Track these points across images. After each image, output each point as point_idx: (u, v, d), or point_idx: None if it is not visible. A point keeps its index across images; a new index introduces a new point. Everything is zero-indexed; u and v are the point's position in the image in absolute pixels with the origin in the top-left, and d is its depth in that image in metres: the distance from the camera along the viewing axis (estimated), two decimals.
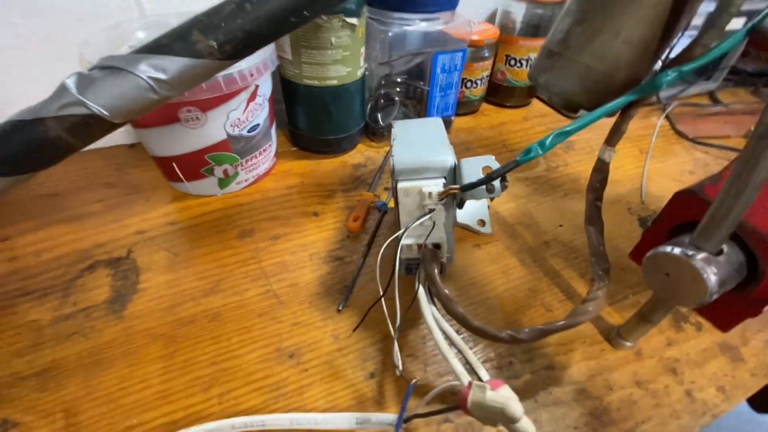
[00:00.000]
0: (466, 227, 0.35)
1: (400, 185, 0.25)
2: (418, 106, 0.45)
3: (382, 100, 0.44)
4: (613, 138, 0.26)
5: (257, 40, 0.23)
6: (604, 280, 0.25)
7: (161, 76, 0.22)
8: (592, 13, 0.22)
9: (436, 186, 0.24)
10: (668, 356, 0.27)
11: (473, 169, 0.23)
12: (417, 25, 0.38)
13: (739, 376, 0.26)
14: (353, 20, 0.34)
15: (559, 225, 0.36)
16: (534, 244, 0.34)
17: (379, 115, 0.44)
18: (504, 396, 0.16)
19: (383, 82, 0.43)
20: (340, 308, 0.28)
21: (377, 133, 0.44)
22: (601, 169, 0.27)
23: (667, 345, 0.27)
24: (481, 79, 0.49)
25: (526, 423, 0.16)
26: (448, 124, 0.47)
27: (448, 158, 0.25)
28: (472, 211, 0.35)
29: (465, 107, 0.50)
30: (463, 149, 0.45)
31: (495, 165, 0.24)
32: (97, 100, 0.21)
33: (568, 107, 0.25)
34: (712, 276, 0.18)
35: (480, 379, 0.21)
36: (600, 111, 0.21)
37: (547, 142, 0.20)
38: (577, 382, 0.25)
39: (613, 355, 0.27)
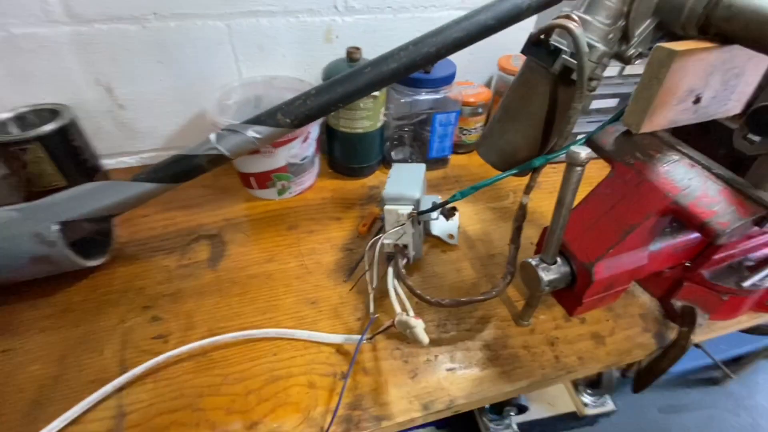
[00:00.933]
0: (438, 238, 0.50)
1: (386, 207, 0.41)
2: (422, 147, 0.61)
3: (395, 142, 0.61)
4: (528, 189, 0.41)
5: (314, 118, 0.40)
6: (507, 278, 0.39)
7: (259, 136, 0.39)
8: (504, 119, 0.37)
9: (406, 210, 0.40)
10: (552, 335, 0.41)
11: (427, 202, 0.39)
12: (422, 95, 0.54)
13: (597, 353, 0.40)
14: (375, 92, 0.51)
15: (507, 243, 0.50)
16: (484, 255, 0.49)
17: (392, 153, 0.61)
18: (414, 320, 0.32)
19: (397, 129, 0.60)
20: (345, 279, 0.45)
21: (390, 165, 0.61)
22: (522, 208, 0.42)
23: (554, 328, 0.41)
24: (475, 128, 0.64)
25: (420, 332, 0.32)
26: (445, 162, 0.63)
27: (416, 193, 0.40)
28: (445, 227, 0.51)
29: (461, 148, 0.66)
30: (453, 182, 0.61)
31: (438, 200, 0.39)
32: (225, 147, 0.39)
33: (495, 168, 0.41)
34: (543, 276, 0.33)
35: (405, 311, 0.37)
36: (506, 174, 0.36)
37: (465, 192, 0.36)
38: (484, 341, 0.40)
39: (515, 330, 0.41)
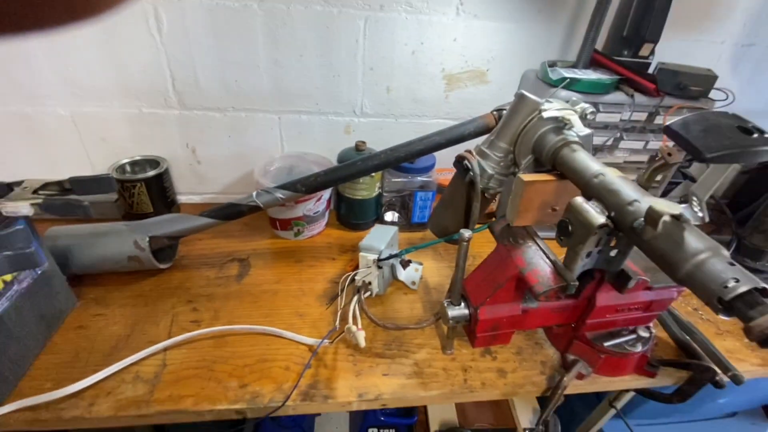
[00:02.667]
0: (403, 283, 0.66)
1: (361, 253, 0.59)
2: (408, 213, 0.79)
3: (388, 207, 0.80)
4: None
5: (321, 189, 0.60)
6: (433, 318, 0.55)
7: (283, 197, 0.60)
8: (441, 206, 0.55)
9: (373, 257, 0.58)
10: (467, 364, 0.55)
11: (385, 253, 0.57)
12: (408, 178, 0.74)
13: (498, 383, 0.53)
14: (373, 174, 0.71)
15: None
16: (435, 300, 0.65)
17: (385, 215, 0.80)
18: (357, 330, 0.48)
19: (390, 198, 0.79)
20: (327, 303, 0.62)
21: (383, 222, 0.80)
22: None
23: (470, 360, 0.55)
24: None
25: (360, 337, 0.48)
26: (423, 227, 0.80)
27: (381, 246, 0.58)
28: (410, 276, 0.67)
29: None
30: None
31: (403, 254, 0.57)
32: (261, 201, 0.60)
33: (437, 236, 0.58)
34: (449, 312, 0.49)
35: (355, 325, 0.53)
36: (438, 241, 0.54)
37: (409, 249, 0.53)
38: (415, 360, 0.55)
39: (440, 356, 0.56)
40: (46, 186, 0.47)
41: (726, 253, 0.28)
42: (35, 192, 0.47)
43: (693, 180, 0.82)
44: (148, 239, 0.59)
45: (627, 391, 0.73)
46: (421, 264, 0.68)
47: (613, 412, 0.82)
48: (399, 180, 0.75)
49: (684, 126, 0.32)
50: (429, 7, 0.67)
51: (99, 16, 0.13)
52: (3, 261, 0.43)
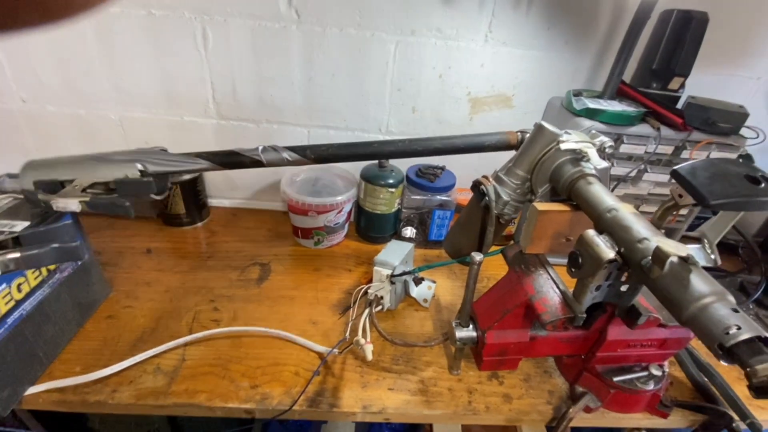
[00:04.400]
0: (415, 300, 0.68)
1: (375, 267, 0.60)
2: (425, 230, 0.81)
3: (407, 222, 0.82)
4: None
5: (329, 160, 0.63)
6: (442, 337, 0.56)
7: (290, 158, 0.60)
8: (457, 227, 0.57)
9: (387, 272, 0.59)
10: (473, 387, 0.55)
11: (399, 269, 0.58)
12: (428, 196, 0.76)
13: (502, 408, 0.53)
14: (392, 189, 0.73)
15: None
16: (446, 320, 0.65)
17: (403, 230, 0.82)
18: (366, 344, 0.50)
19: (409, 214, 0.81)
20: (340, 313, 0.64)
21: (401, 238, 0.81)
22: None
23: (477, 383, 0.56)
24: None
25: (367, 351, 0.49)
26: (440, 244, 0.81)
27: (395, 262, 0.60)
28: (422, 293, 0.68)
29: None
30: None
31: (408, 269, 0.58)
32: (265, 157, 0.63)
33: (451, 256, 0.59)
34: (457, 333, 0.50)
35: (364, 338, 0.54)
36: (453, 261, 0.55)
37: (422, 268, 0.55)
38: (422, 377, 0.55)
39: (447, 376, 0.56)
40: (93, 185, 0.52)
41: (731, 299, 0.28)
42: (84, 190, 0.51)
43: None
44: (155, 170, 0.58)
45: (639, 430, 0.70)
46: (434, 282, 0.69)
47: None
48: (419, 197, 0.77)
49: (691, 171, 0.33)
50: (458, 33, 0.69)
51: (74, 17, 0.13)
52: (51, 252, 0.47)
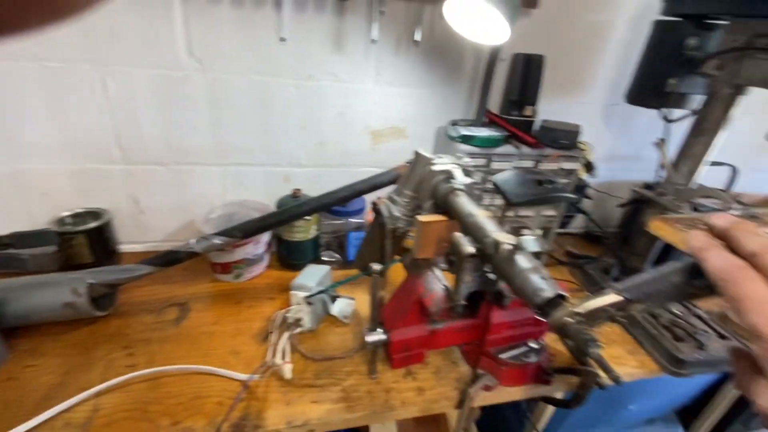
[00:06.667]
0: (335, 318, 0.73)
1: (292, 292, 0.65)
2: (344, 252, 0.87)
3: (326, 247, 0.87)
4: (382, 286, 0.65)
5: (257, 233, 0.67)
6: (357, 348, 0.61)
7: (221, 242, 0.65)
8: (364, 243, 0.64)
9: (303, 294, 0.64)
10: (390, 386, 0.61)
11: (315, 290, 0.64)
12: (342, 220, 0.82)
13: (416, 400, 0.59)
14: (308, 218, 0.79)
15: None
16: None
17: (323, 255, 0.87)
18: (284, 364, 0.54)
19: (327, 239, 0.87)
20: (262, 342, 0.66)
21: (322, 262, 0.86)
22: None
23: (393, 382, 0.62)
24: None
25: (286, 371, 0.53)
26: None
27: (311, 284, 0.65)
28: (342, 310, 0.74)
29: None
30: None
31: (321, 288, 0.64)
32: (199, 247, 0.65)
33: (361, 271, 0.66)
34: (367, 338, 0.55)
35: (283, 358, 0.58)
36: (361, 275, 0.61)
37: (334, 285, 0.60)
38: (343, 386, 0.60)
39: (366, 381, 0.61)
40: None
41: (545, 272, 0.38)
42: None
43: (585, 213, 0.98)
44: (86, 285, 0.62)
45: (534, 400, 0.81)
46: (353, 299, 0.75)
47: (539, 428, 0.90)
48: (334, 222, 0.83)
49: (504, 181, 0.44)
50: (351, 77, 0.79)
51: (80, 14, 0.13)
52: None
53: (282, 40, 0.73)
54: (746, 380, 0.25)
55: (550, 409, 0.89)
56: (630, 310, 0.31)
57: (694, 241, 0.28)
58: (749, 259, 0.25)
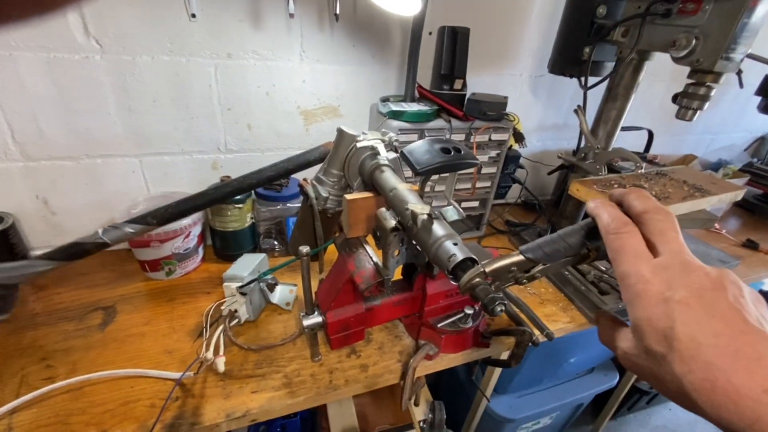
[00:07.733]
0: (277, 305, 0.71)
1: (225, 284, 0.62)
2: (284, 239, 0.85)
3: (265, 235, 0.85)
4: (321, 268, 0.64)
5: (173, 220, 0.63)
6: (297, 332, 0.60)
7: (133, 231, 0.61)
8: (296, 227, 0.62)
9: (236, 285, 0.61)
10: (334, 367, 0.61)
11: (247, 279, 0.61)
12: (278, 206, 0.80)
13: (360, 377, 0.60)
14: (240, 205, 0.75)
15: None
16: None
17: (262, 243, 0.84)
18: (217, 358, 0.52)
19: (265, 227, 0.84)
20: (196, 338, 0.64)
21: (263, 251, 0.84)
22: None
23: (337, 362, 0.62)
24: None
25: (219, 364, 0.51)
26: None
27: (244, 275, 0.63)
28: (283, 297, 0.72)
29: None
30: None
31: (253, 278, 0.62)
32: (108, 237, 0.60)
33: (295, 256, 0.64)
34: (304, 321, 0.55)
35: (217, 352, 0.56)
36: (295, 260, 0.60)
37: (266, 272, 0.59)
38: (285, 373, 0.59)
39: (309, 364, 0.61)
40: None
41: (458, 238, 0.39)
42: None
43: (521, 183, 1.01)
44: None
45: (476, 363, 0.85)
46: (294, 285, 0.74)
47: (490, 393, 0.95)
48: (272, 209, 0.80)
49: (410, 150, 0.44)
50: (275, 54, 0.76)
51: (66, 8, 0.13)
52: None
53: (193, 16, 0.68)
54: (609, 334, 0.29)
55: (498, 371, 0.94)
56: (533, 270, 0.32)
57: (591, 203, 0.31)
58: (637, 218, 0.28)
